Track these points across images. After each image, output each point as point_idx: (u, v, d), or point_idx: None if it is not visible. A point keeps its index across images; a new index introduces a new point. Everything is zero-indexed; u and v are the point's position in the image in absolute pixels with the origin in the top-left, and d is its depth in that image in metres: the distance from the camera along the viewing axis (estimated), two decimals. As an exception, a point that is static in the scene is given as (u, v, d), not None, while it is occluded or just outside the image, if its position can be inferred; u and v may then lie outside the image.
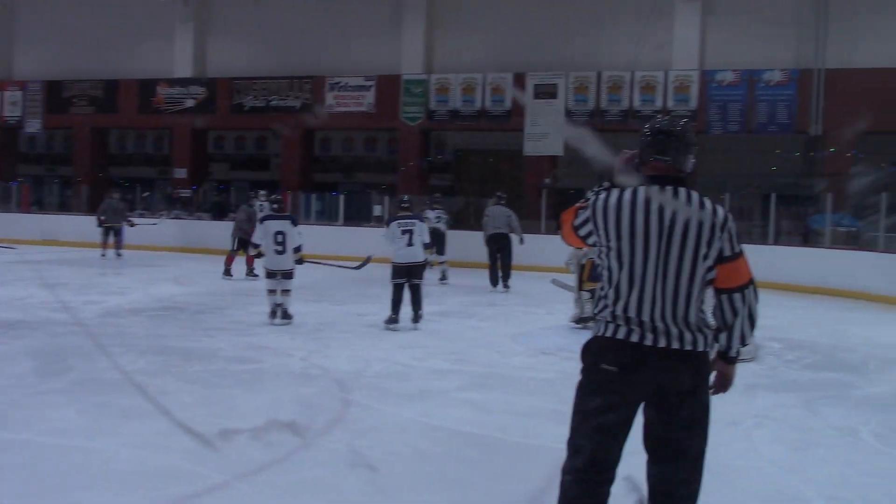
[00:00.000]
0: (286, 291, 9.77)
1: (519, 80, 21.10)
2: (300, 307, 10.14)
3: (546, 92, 20.95)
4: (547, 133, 20.84)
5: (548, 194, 20.26)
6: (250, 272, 14.53)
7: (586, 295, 9.78)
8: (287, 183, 22.79)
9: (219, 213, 22.40)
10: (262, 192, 21.28)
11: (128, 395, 6.23)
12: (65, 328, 9.09)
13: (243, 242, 13.99)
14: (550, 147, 20.82)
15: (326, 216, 21.76)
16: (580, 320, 9.85)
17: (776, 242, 16.60)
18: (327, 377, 7.05)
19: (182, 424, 5.48)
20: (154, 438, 5.11)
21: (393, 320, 9.63)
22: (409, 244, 9.72)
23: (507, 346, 8.86)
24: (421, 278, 9.96)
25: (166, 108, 24.03)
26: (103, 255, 18.02)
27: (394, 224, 9.86)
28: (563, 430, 3.21)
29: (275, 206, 10.23)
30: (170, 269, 16.13)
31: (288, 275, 9.76)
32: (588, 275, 9.78)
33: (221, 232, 20.57)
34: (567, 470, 3.14)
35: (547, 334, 9.72)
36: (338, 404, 6.19)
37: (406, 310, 9.77)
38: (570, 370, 3.46)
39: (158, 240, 19.64)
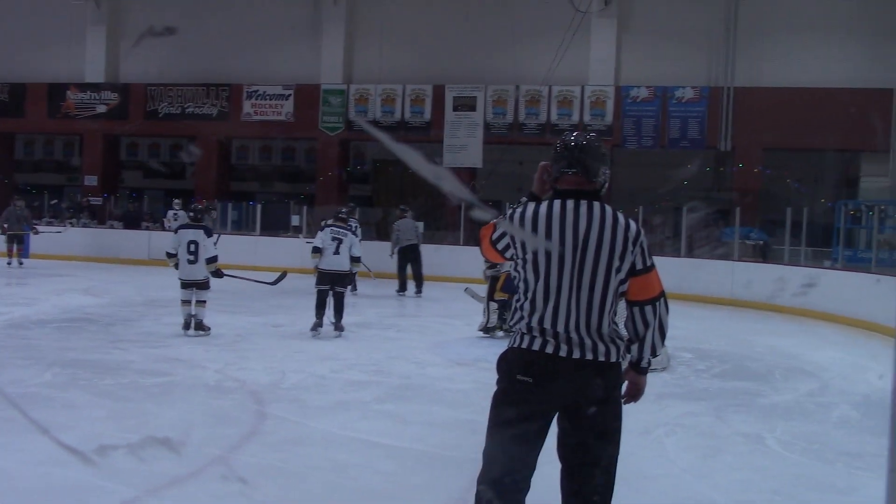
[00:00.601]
0: (201, 302, 9.60)
1: (438, 92, 21.21)
2: (216, 318, 9.97)
3: (465, 104, 21.12)
4: (466, 145, 21.00)
5: (467, 206, 20.38)
6: None
7: (494, 305, 10.06)
8: (203, 192, 22.39)
9: (131, 222, 21.85)
10: (176, 201, 20.94)
11: (33, 409, 6.03)
12: (-34, 340, 8.74)
13: None
14: (470, 159, 20.99)
15: (243, 226, 21.47)
16: (486, 329, 10.14)
17: (688, 255, 17.05)
18: (243, 389, 6.94)
19: (91, 439, 5.33)
20: (60, 454, 4.94)
21: (317, 325, 9.81)
22: (336, 252, 9.95)
23: (425, 357, 8.87)
24: (345, 287, 10.19)
25: (77, 114, 23.37)
26: (9, 264, 17.39)
27: (327, 230, 10.11)
28: (479, 441, 3.24)
29: (191, 214, 10.01)
30: (79, 279, 15.64)
31: (202, 285, 9.61)
32: (501, 286, 9.97)
33: (134, 241, 20.18)
34: (483, 480, 3.16)
35: (463, 345, 9.78)
36: (253, 417, 6.10)
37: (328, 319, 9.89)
38: (487, 380, 3.49)
39: (67, 249, 19.05)
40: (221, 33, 22.81)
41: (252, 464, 4.96)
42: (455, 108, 21.15)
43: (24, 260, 17.67)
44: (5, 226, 17.54)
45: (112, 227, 21.56)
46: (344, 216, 10.60)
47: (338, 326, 9.98)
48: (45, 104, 23.58)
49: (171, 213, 20.82)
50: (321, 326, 9.84)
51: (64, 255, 18.69)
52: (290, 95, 22.16)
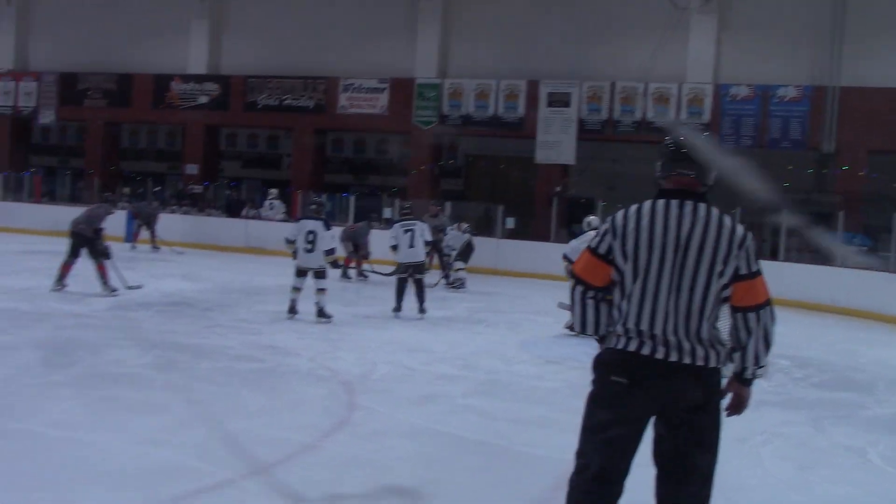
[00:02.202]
0: (321, 290, 10.06)
1: (532, 88, 21.09)
2: (307, 307, 10.13)
3: (559, 100, 20.93)
4: (559, 141, 20.82)
5: (558, 202, 20.23)
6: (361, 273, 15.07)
7: None
8: (298, 182, 22.82)
9: (232, 209, 22.42)
10: (272, 191, 21.39)
11: (134, 389, 6.24)
12: (73, 320, 9.10)
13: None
14: (563, 155, 20.80)
15: (336, 217, 21.76)
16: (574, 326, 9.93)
17: (787, 259, 16.53)
18: (334, 379, 7.05)
19: (188, 421, 5.49)
20: (158, 434, 5.11)
21: (397, 309, 10.88)
22: (411, 245, 11.00)
23: (513, 354, 8.84)
24: (423, 274, 11.17)
25: (179, 104, 24.09)
26: (133, 248, 18.62)
27: (396, 225, 11.21)
28: (567, 441, 3.20)
29: (312, 206, 10.68)
30: (180, 265, 16.14)
31: (320, 274, 10.08)
32: None
33: (232, 229, 20.70)
34: (575, 482, 3.12)
35: (553, 343, 9.70)
36: (343, 407, 6.19)
37: (412, 305, 10.86)
38: (576, 380, 3.45)
39: (168, 235, 19.64)
40: (319, 27, 23.16)
41: (341, 453, 5.03)
42: (549, 104, 20.96)
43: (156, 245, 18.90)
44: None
45: (210, 214, 22.15)
46: (408, 210, 11.68)
47: (421, 309, 10.86)
48: (150, 94, 24.38)
49: (266, 202, 21.29)
50: (400, 311, 10.88)
51: (165, 241, 19.25)
52: (385, 89, 22.35)
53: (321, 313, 9.97)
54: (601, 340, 3.21)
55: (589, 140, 20.62)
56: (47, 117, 25.32)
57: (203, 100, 23.87)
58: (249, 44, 23.86)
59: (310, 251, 9.96)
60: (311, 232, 9.96)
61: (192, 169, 24.07)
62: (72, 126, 27.08)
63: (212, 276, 14.55)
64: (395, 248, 11.08)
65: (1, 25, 25.96)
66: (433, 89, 21.92)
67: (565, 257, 10.41)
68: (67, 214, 12.11)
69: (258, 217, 21.27)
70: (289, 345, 8.47)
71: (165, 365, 7.14)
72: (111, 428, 5.21)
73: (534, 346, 9.44)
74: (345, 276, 15.06)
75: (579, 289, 3.23)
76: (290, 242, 10.10)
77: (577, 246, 11.45)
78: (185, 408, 5.83)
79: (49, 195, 24.80)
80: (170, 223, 20.10)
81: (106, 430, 5.17)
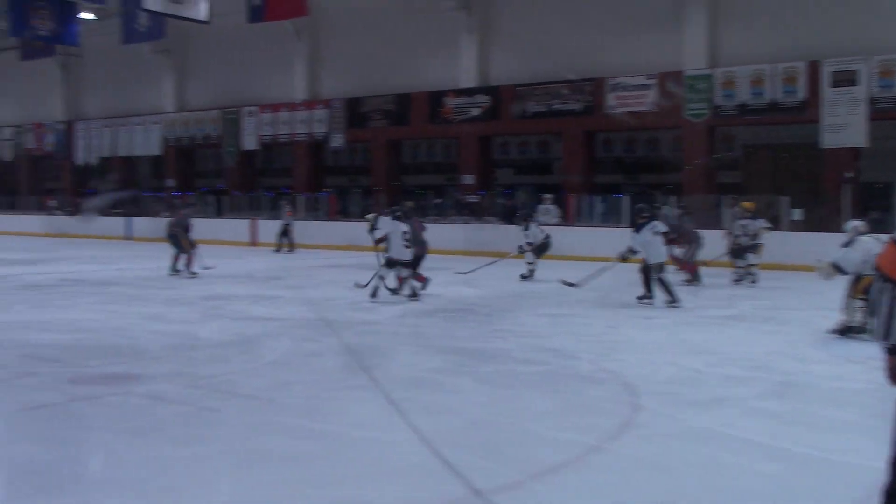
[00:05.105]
0: (406, 278, 12.14)
1: (813, 68, 19.66)
2: (585, 311, 10.12)
3: (845, 79, 19.34)
4: (847, 123, 19.24)
5: (851, 190, 18.70)
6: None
7: (858, 303, 8.86)
8: (570, 186, 22.92)
9: (506, 217, 22.96)
10: (546, 196, 21.64)
11: (425, 392, 6.56)
12: (368, 328, 9.75)
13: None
14: (852, 138, 19.20)
15: (610, 219, 21.59)
16: (845, 329, 8.99)
17: None
18: (616, 381, 6.99)
19: (473, 423, 5.69)
20: (449, 435, 5.33)
21: (644, 297, 11.73)
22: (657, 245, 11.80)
23: (808, 353, 8.28)
24: (662, 271, 11.76)
25: (453, 118, 25.08)
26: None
27: (646, 229, 11.73)
28: (877, 448, 2.94)
29: (398, 213, 12.48)
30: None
31: (407, 265, 12.15)
32: (861, 288, 8.81)
33: (508, 236, 21.19)
34: (891, 493, 2.86)
35: (851, 341, 8.93)
36: (627, 409, 6.11)
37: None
38: (884, 381, 3.15)
39: (449, 244, 20.47)
40: (583, 29, 23.15)
41: (628, 455, 4.97)
42: (833, 84, 19.44)
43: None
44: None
45: (488, 222, 22.81)
46: (646, 213, 12.16)
47: (672, 301, 11.42)
48: (427, 111, 25.60)
49: (541, 207, 21.57)
50: (648, 299, 11.67)
51: (445, 249, 20.09)
52: (653, 84, 21.87)
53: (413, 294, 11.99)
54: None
55: (882, 119, 18.86)
56: (337, 141, 27.40)
57: (475, 112, 24.67)
58: (516, 53, 24.35)
59: (408, 247, 11.96)
60: (406, 231, 11.93)
61: (468, 179, 24.95)
62: (359, 147, 29.07)
63: (491, 282, 14.97)
64: (632, 252, 11.90)
65: (295, 60, 28.49)
66: (704, 80, 21.11)
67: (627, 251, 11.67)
68: (359, 230, 13.05)
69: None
70: (568, 347, 8.52)
71: (452, 369, 7.45)
72: (406, 428, 5.51)
73: (832, 344, 8.77)
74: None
75: (888, 288, 2.94)
76: (380, 240, 12.19)
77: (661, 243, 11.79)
78: (473, 409, 6.04)
79: (342, 212, 26.76)
80: (450, 233, 20.97)
81: (401, 430, 5.47)
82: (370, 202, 25.84)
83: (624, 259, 12.03)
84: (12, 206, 35.65)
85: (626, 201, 21.02)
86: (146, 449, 5.03)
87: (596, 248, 17.73)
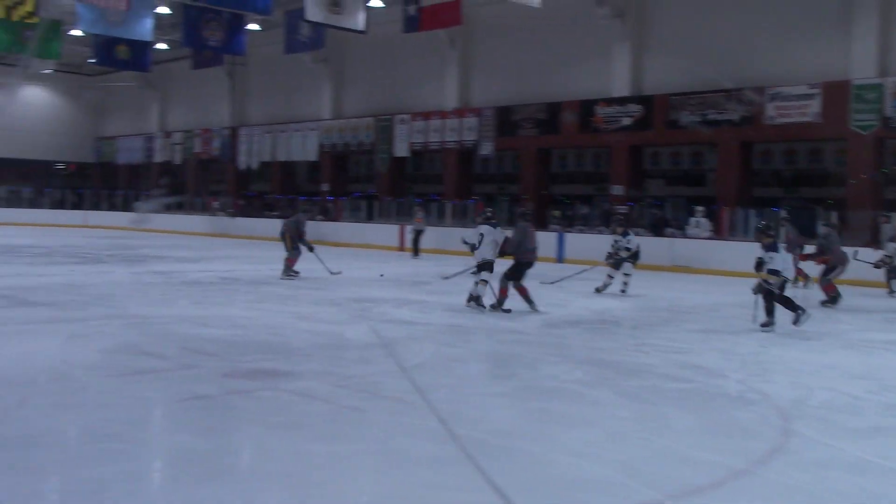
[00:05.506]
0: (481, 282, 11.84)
1: None
2: (735, 328, 9.77)
3: None
4: None
5: None
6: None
7: None
8: (724, 198, 22.18)
9: (656, 229, 22.49)
10: (699, 209, 21.04)
11: (565, 403, 6.51)
12: (510, 336, 9.75)
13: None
14: None
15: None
16: None
17: None
18: (766, 403, 6.70)
19: (613, 437, 5.59)
20: (587, 448, 5.27)
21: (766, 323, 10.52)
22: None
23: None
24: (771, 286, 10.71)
25: (604, 127, 24.77)
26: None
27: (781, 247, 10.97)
28: None
29: (492, 219, 12.17)
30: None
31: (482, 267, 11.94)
32: None
33: (656, 247, 20.76)
34: None
35: None
36: (778, 433, 5.85)
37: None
38: None
39: (593, 254, 20.24)
40: (742, 36, 22.36)
41: (777, 482, 4.76)
42: None
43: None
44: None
45: (637, 234, 22.34)
46: (772, 232, 11.18)
47: (796, 320, 10.49)
48: (577, 120, 25.40)
49: (693, 220, 21.01)
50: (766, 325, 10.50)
51: (591, 260, 19.87)
52: (816, 94, 20.86)
53: (477, 301, 11.75)
54: None
55: None
56: (486, 149, 27.60)
57: (626, 121, 24.28)
58: (670, 61, 23.78)
59: (475, 249, 11.94)
60: (481, 234, 11.82)
61: (617, 189, 24.58)
62: (507, 155, 29.16)
63: (638, 294, 14.69)
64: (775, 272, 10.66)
65: (447, 69, 28.93)
66: (873, 90, 19.97)
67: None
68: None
69: (683, 235, 21.08)
70: (716, 365, 8.25)
71: (594, 381, 7.36)
72: (543, 438, 5.48)
73: None
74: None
75: None
76: (469, 243, 12.15)
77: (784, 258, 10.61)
78: (613, 423, 5.94)
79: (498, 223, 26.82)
80: (597, 243, 20.68)
81: (539, 439, 5.45)
82: (517, 210, 25.88)
83: (765, 287, 10.64)
84: (179, 207, 37.91)
85: (782, 215, 20.12)
86: (293, 443, 5.22)
87: (748, 263, 17.07)
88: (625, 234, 15.01)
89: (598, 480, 4.67)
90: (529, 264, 11.83)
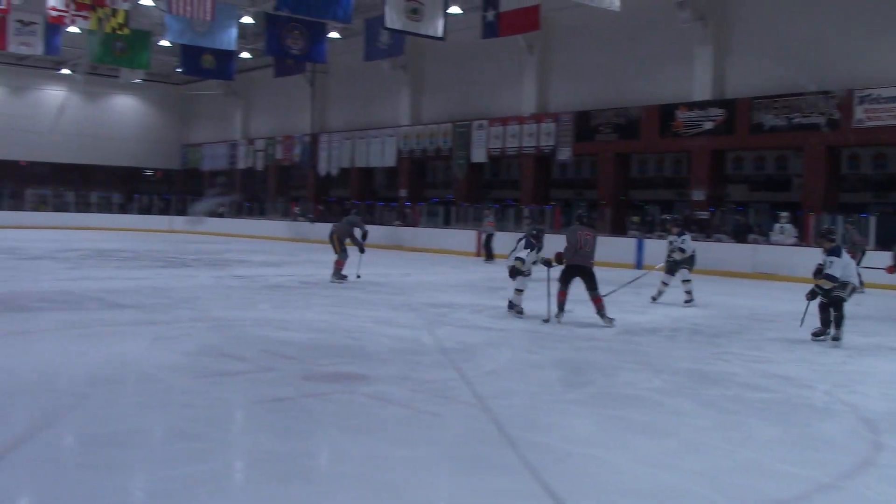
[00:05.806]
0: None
1: None
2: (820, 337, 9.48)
3: None
4: None
5: None
6: None
7: None
8: (809, 204, 21.57)
9: (738, 235, 21.99)
10: (783, 215, 20.52)
11: (643, 412, 6.41)
12: (586, 343, 9.66)
13: None
14: None
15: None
16: None
17: None
18: (854, 415, 6.49)
19: (693, 447, 5.48)
20: (665, 458, 5.18)
21: (819, 332, 10.09)
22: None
23: None
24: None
25: (685, 132, 24.36)
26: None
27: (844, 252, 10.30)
28: None
29: (535, 233, 12.06)
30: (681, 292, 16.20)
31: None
32: None
33: (739, 254, 20.30)
34: None
35: None
36: (867, 446, 5.66)
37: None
38: None
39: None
40: (827, 37, 21.73)
41: (865, 497, 4.60)
42: None
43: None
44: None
45: (719, 240, 21.92)
46: (833, 236, 10.40)
47: (833, 336, 9.93)
48: (657, 124, 25.03)
49: (777, 226, 20.50)
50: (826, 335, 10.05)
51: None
52: (909, 96, 20.12)
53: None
54: None
55: None
56: (564, 154, 27.42)
57: (708, 125, 23.84)
58: (754, 64, 23.25)
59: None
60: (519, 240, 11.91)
61: (698, 195, 24.14)
62: (585, 160, 28.92)
63: (719, 301, 14.40)
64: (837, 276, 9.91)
65: (524, 74, 28.88)
66: (972, 91, 19.18)
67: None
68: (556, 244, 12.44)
69: (767, 242, 20.56)
70: (801, 375, 8.02)
71: (673, 390, 7.23)
72: (620, 447, 5.41)
73: None
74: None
75: None
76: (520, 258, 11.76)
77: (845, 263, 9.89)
78: (692, 433, 5.82)
79: (567, 226, 26.68)
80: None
81: (615, 448, 5.38)
82: (595, 215, 25.61)
83: (819, 293, 10.00)
84: (261, 212, 38.70)
85: (872, 221, 19.49)
86: (369, 447, 5.27)
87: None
88: (680, 234, 14.10)
89: (677, 491, 4.58)
90: (579, 268, 11.28)
